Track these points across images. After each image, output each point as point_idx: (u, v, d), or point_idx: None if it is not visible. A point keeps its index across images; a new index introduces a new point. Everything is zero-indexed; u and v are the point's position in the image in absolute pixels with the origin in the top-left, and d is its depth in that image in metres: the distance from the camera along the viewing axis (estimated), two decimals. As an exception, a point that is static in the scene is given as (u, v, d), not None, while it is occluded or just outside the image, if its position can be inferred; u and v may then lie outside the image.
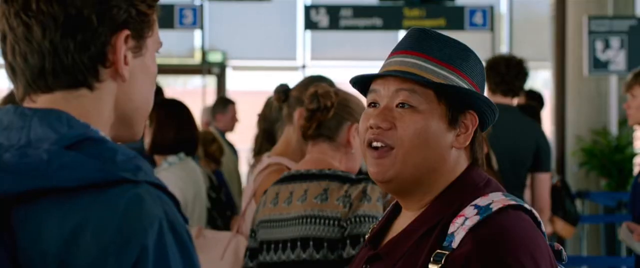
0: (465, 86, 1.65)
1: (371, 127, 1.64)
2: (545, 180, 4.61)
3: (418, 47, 1.66)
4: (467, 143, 1.66)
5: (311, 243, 2.51)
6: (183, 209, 3.78)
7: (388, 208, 1.79)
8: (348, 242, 2.47)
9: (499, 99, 4.39)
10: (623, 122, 8.57)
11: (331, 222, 2.51)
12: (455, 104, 1.64)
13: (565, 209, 5.25)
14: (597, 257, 7.61)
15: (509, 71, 4.41)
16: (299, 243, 2.54)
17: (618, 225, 7.37)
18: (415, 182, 1.64)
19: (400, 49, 1.68)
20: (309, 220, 2.53)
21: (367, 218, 2.46)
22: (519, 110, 4.65)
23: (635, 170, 8.15)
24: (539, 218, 1.62)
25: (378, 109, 1.65)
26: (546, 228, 5.23)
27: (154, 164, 3.96)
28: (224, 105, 7.37)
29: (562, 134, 8.60)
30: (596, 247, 8.04)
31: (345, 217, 2.49)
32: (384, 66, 1.69)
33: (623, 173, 8.19)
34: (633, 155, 8.36)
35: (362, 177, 2.58)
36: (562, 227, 5.26)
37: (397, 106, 1.63)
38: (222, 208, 5.36)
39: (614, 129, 8.46)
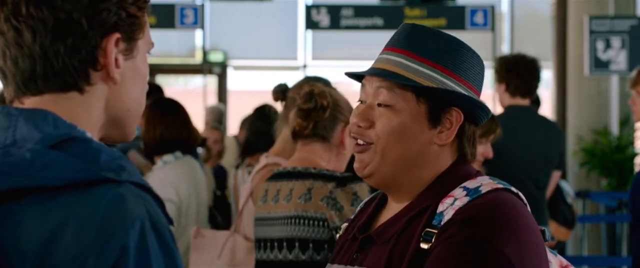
0: (451, 84, 1.64)
1: (354, 124, 1.69)
2: (557, 176, 4.83)
3: (404, 44, 1.66)
4: (450, 139, 1.66)
5: (297, 244, 2.52)
6: (177, 207, 3.82)
7: (370, 201, 1.81)
8: None
9: (518, 101, 4.43)
10: (624, 122, 8.57)
11: (316, 222, 2.50)
12: (436, 102, 1.64)
13: (559, 213, 5.31)
14: (598, 256, 7.60)
15: (528, 72, 4.44)
16: (285, 244, 2.56)
17: (619, 225, 7.37)
18: (396, 176, 1.66)
19: (389, 45, 1.70)
20: (294, 220, 2.54)
21: None
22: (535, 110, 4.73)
23: (637, 170, 8.15)
24: (525, 200, 1.64)
25: (362, 106, 1.69)
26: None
27: (153, 163, 3.96)
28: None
29: (562, 134, 8.59)
30: (597, 247, 8.04)
31: (334, 221, 2.48)
32: (374, 62, 1.71)
33: (624, 173, 8.18)
34: (634, 155, 8.35)
35: (348, 175, 2.56)
36: (556, 229, 5.30)
37: (378, 105, 1.66)
38: (226, 207, 5.36)
39: (614, 128, 8.45)
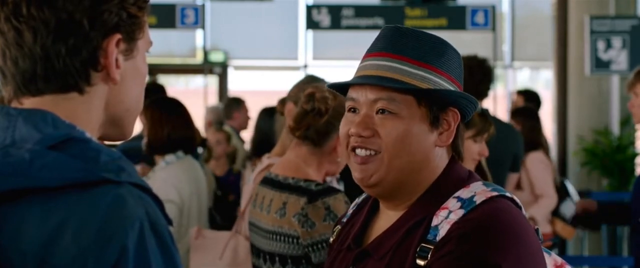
0: (444, 83, 1.62)
1: (352, 135, 1.63)
2: (513, 181, 4.80)
3: (393, 48, 1.62)
4: (451, 140, 1.65)
5: (277, 258, 2.53)
6: (179, 208, 3.82)
7: (362, 203, 1.80)
8: None
9: None
10: (624, 122, 8.57)
11: (290, 239, 2.49)
12: (435, 104, 1.62)
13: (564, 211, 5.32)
14: (599, 256, 7.59)
15: (472, 77, 4.31)
16: (268, 257, 2.56)
17: (619, 225, 7.37)
18: (400, 185, 1.63)
19: (375, 50, 1.65)
20: (272, 236, 2.54)
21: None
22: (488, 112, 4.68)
23: (637, 170, 8.15)
24: (520, 203, 1.62)
25: (358, 116, 1.64)
26: (546, 228, 5.29)
27: (154, 163, 3.96)
28: (237, 103, 7.40)
29: (563, 134, 8.59)
30: (598, 247, 8.03)
31: (306, 239, 2.45)
32: (359, 69, 1.66)
33: (624, 173, 8.18)
34: (634, 155, 8.34)
35: (322, 188, 2.49)
36: (562, 228, 5.30)
37: (377, 112, 1.62)
38: (227, 207, 5.35)
39: (615, 128, 8.45)
